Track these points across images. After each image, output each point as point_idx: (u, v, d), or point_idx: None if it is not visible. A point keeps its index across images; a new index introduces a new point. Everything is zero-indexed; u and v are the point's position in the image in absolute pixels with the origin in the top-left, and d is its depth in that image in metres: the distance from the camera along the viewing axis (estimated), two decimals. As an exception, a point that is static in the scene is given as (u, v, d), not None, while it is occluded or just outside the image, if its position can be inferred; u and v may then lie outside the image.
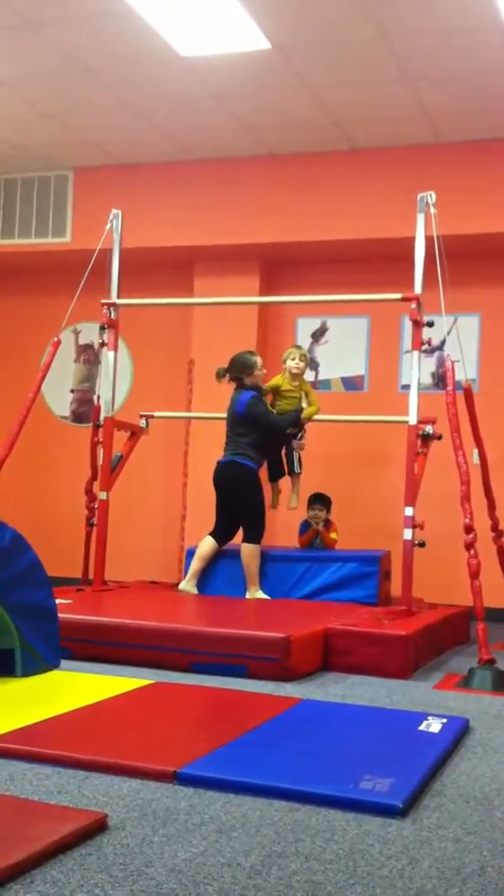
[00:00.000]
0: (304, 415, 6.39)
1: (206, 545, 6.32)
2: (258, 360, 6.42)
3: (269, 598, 6.13)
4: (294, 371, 6.50)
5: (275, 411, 6.42)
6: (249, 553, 6.19)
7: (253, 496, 6.29)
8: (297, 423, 6.40)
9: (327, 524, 6.77)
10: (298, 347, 6.74)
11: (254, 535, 6.23)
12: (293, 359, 6.52)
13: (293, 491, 6.62)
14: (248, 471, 6.27)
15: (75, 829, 2.20)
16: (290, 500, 6.63)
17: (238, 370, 6.38)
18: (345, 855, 2.21)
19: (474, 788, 2.80)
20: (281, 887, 2.00)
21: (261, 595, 6.14)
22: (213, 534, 6.37)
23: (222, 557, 6.35)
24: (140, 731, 3.24)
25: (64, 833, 2.17)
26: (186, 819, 2.41)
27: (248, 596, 6.16)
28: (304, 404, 6.47)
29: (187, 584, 6.28)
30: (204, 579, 6.33)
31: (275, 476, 6.60)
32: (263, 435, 6.31)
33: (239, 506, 6.33)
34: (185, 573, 6.42)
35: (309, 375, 7.70)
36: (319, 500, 6.78)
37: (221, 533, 6.37)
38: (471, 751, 3.25)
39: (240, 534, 6.36)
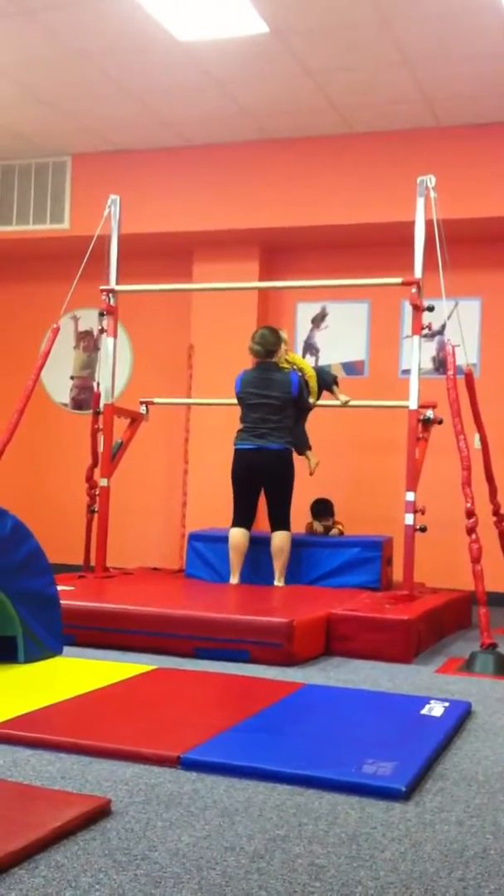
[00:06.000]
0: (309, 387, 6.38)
1: (240, 536, 6.06)
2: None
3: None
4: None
5: None
6: (287, 540, 6.02)
7: (292, 483, 6.13)
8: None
9: (335, 529, 6.75)
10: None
11: (288, 522, 6.06)
12: None
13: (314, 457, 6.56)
14: (291, 457, 6.14)
15: (79, 815, 2.21)
16: (312, 464, 6.53)
17: (274, 343, 6.14)
18: (348, 838, 2.21)
19: (476, 771, 2.81)
20: (284, 871, 2.00)
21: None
22: (240, 524, 6.10)
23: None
24: (143, 716, 3.25)
25: (67, 818, 2.18)
26: (190, 804, 2.42)
27: (276, 584, 6.02)
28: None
29: (233, 581, 6.10)
30: (224, 568, 6.23)
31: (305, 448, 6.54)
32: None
33: (278, 493, 6.08)
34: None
35: (309, 360, 7.69)
36: (323, 512, 6.72)
37: (248, 520, 6.13)
38: (473, 734, 3.26)
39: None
